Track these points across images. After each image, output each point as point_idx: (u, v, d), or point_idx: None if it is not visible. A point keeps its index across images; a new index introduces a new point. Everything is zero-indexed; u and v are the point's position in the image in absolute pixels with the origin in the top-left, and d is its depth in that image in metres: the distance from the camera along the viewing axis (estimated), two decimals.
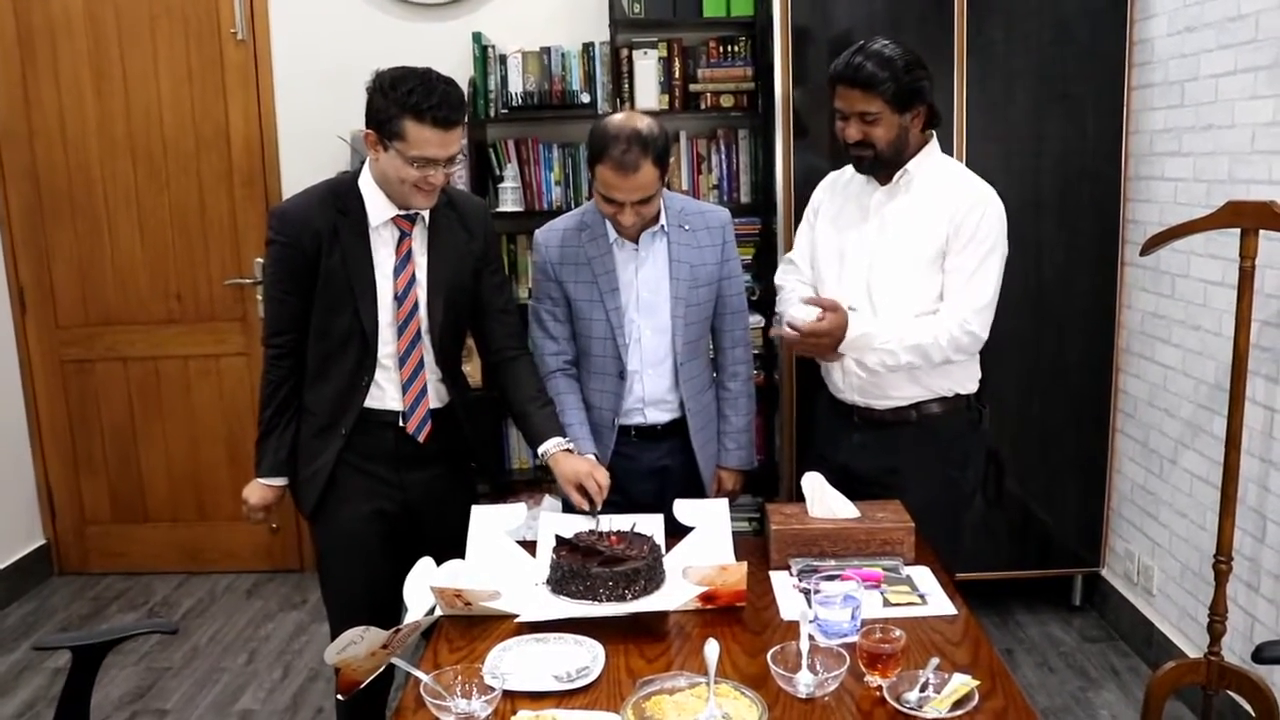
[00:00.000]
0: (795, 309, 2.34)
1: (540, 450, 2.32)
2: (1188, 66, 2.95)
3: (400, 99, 2.05)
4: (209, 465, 4.14)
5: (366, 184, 2.21)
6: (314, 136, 3.79)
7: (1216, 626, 2.55)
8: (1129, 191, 3.31)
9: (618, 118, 2.26)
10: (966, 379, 2.41)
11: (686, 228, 2.42)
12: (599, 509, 2.21)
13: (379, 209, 2.21)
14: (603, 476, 2.25)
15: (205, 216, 3.98)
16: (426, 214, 2.25)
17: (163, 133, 3.92)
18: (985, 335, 2.31)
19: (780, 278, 2.59)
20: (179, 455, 4.15)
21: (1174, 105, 3.04)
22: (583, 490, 2.23)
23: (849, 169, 2.44)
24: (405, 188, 2.13)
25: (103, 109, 3.91)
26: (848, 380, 2.40)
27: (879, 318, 2.29)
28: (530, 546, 2.17)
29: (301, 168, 3.78)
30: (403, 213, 2.21)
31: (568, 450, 2.31)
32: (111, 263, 4.01)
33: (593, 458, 2.34)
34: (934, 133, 2.36)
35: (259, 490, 2.34)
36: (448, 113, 2.07)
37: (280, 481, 2.34)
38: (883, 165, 2.31)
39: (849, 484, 2.27)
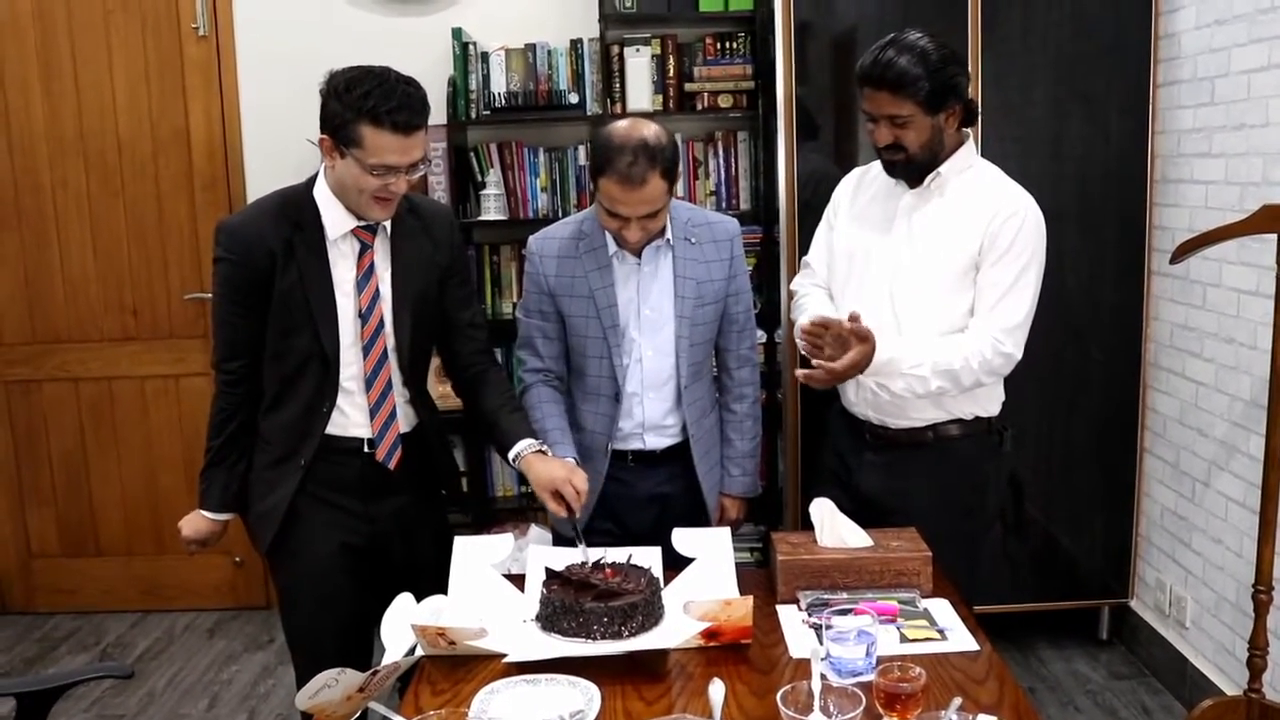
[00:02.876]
0: (805, 318, 2.32)
1: (511, 453, 2.30)
2: (1218, 62, 2.97)
3: (356, 102, 2.03)
4: (167, 494, 4.11)
5: (322, 194, 2.19)
6: (281, 139, 3.78)
7: (1257, 661, 2.55)
8: (1156, 195, 3.32)
9: (622, 126, 2.25)
10: (989, 401, 2.40)
11: (693, 241, 2.41)
12: (578, 515, 2.20)
13: (337, 221, 2.19)
14: (581, 481, 2.23)
15: (163, 225, 3.97)
16: (388, 223, 2.23)
17: (117, 135, 3.91)
18: (1019, 356, 2.29)
19: (796, 283, 2.59)
20: (134, 483, 4.13)
21: (1203, 103, 3.06)
22: (559, 497, 2.21)
23: (874, 166, 2.44)
24: (364, 198, 2.12)
25: (52, 109, 3.90)
26: (861, 394, 2.39)
27: (902, 334, 2.28)
28: (518, 580, 2.16)
29: (268, 173, 3.77)
30: (363, 223, 2.20)
31: (541, 452, 2.29)
32: (61, 275, 4.00)
33: (571, 461, 2.31)
34: (969, 132, 2.34)
35: (197, 522, 2.32)
36: (409, 116, 2.06)
37: (226, 517, 2.33)
38: (917, 169, 2.29)
39: (858, 507, 2.27)
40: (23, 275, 3.99)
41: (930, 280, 2.29)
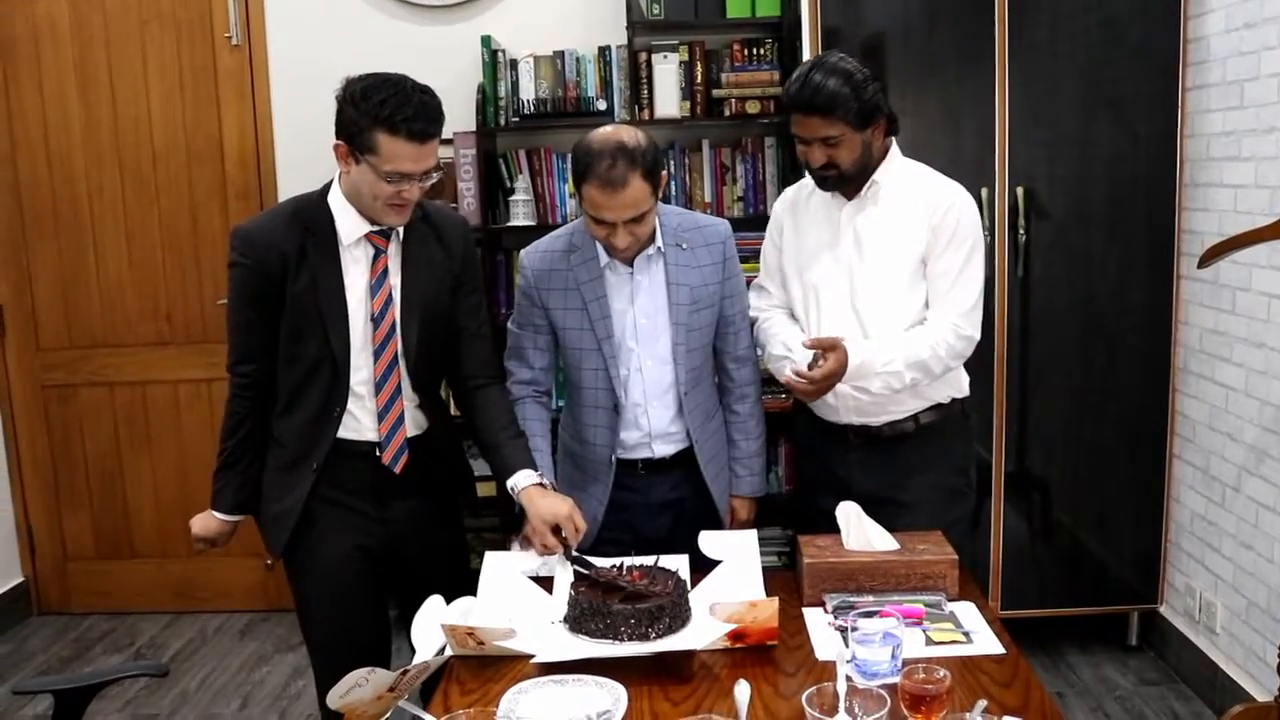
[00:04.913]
0: (777, 347, 2.41)
1: (510, 483, 2.29)
2: (1247, 65, 2.96)
3: (372, 110, 2.05)
4: (199, 497, 4.03)
5: (336, 200, 2.22)
6: (313, 148, 3.76)
7: None
8: (1184, 199, 3.31)
9: (602, 131, 2.26)
10: (962, 382, 2.52)
11: (684, 246, 2.41)
12: (573, 550, 2.20)
13: (350, 226, 2.21)
14: (581, 521, 2.23)
15: (197, 232, 4.02)
16: (401, 229, 2.25)
17: (152, 144, 3.97)
18: (978, 335, 2.40)
19: (754, 306, 2.59)
20: (168, 487, 4.18)
21: (1233, 107, 3.04)
22: (557, 532, 2.20)
23: (807, 183, 2.49)
24: (378, 204, 2.14)
25: (89, 120, 3.96)
26: (842, 401, 2.43)
27: (870, 339, 2.35)
28: (546, 583, 2.18)
29: (299, 181, 3.75)
30: (376, 228, 2.22)
31: (541, 484, 2.28)
32: (97, 281, 4.06)
33: (571, 499, 2.29)
34: (893, 139, 2.41)
35: (207, 522, 2.38)
36: (424, 125, 2.08)
37: (237, 518, 2.38)
38: (851, 181, 2.37)
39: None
40: (60, 282, 4.06)
41: (886, 282, 2.37)
